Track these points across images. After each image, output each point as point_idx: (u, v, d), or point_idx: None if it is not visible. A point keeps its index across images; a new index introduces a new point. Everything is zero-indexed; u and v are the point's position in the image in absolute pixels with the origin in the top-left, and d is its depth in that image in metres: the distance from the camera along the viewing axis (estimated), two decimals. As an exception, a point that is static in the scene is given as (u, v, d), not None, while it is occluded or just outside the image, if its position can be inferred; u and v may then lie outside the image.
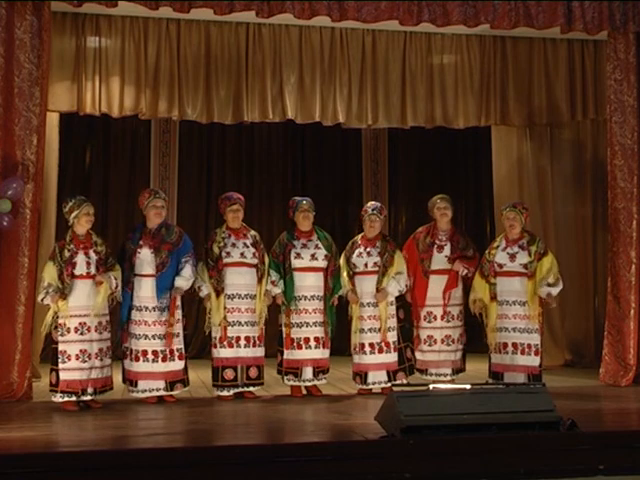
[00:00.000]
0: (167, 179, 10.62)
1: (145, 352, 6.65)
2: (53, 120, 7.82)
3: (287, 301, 6.98)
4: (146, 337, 6.65)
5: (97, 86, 7.62)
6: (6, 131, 6.84)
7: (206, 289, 6.87)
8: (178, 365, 6.76)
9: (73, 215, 6.51)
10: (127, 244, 6.79)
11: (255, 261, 6.96)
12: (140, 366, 6.64)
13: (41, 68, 6.92)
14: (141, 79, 7.71)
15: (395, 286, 7.06)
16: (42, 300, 6.42)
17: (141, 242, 6.73)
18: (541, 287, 6.95)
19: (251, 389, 6.95)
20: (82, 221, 6.51)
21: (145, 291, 6.66)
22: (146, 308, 6.66)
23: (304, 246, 7.07)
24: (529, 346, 6.97)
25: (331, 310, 7.10)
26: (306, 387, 7.06)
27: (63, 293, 6.33)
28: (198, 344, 9.65)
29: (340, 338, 7.45)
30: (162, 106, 7.75)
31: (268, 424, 5.89)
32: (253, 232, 7.12)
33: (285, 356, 6.99)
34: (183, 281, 6.75)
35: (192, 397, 7.02)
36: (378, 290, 7.02)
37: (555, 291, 7.02)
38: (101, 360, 6.47)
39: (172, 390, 6.73)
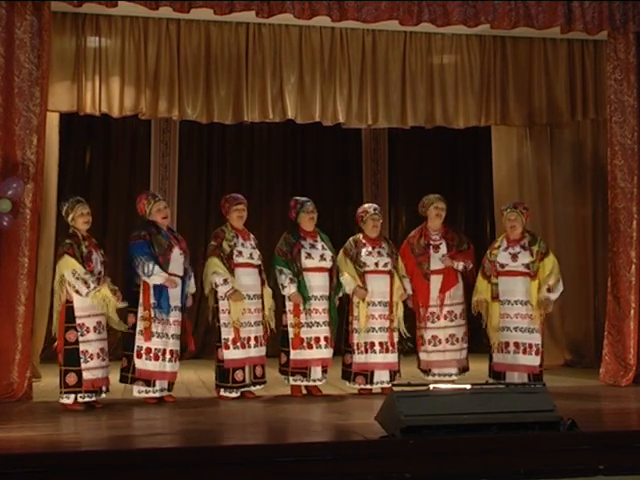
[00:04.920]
0: (167, 179, 10.62)
1: (164, 351, 6.60)
2: (53, 120, 7.82)
3: (305, 301, 6.94)
4: (167, 336, 6.61)
5: (97, 86, 7.62)
6: (6, 131, 6.84)
7: (231, 282, 6.77)
8: (177, 366, 6.76)
9: (70, 218, 6.50)
10: (158, 239, 6.62)
11: (259, 262, 7.01)
12: (161, 365, 6.58)
13: (41, 68, 6.92)
14: (141, 79, 7.71)
15: (409, 287, 7.25)
16: (92, 290, 6.24)
17: (172, 242, 6.71)
18: (541, 292, 6.96)
19: (257, 387, 6.96)
20: (79, 222, 6.47)
21: (173, 290, 6.63)
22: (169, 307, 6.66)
23: (312, 246, 7.07)
24: (530, 346, 6.99)
25: (335, 310, 7.11)
26: (306, 387, 7.06)
27: (106, 278, 6.39)
28: (198, 344, 9.64)
29: (339, 338, 7.44)
30: (162, 106, 7.75)
31: (268, 424, 5.89)
32: (251, 235, 7.14)
33: (292, 356, 6.95)
34: (193, 287, 6.87)
35: (192, 397, 7.02)
36: (404, 290, 7.18)
37: (554, 296, 7.06)
38: (107, 359, 6.53)
39: (170, 390, 6.73)
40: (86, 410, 6.30)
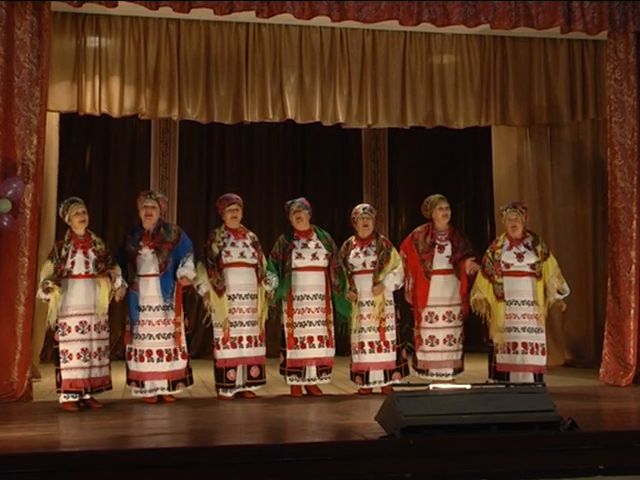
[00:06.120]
0: (167, 179, 10.63)
1: (150, 352, 6.63)
2: (53, 120, 7.82)
3: (275, 299, 6.99)
4: (150, 337, 6.64)
5: (97, 86, 7.62)
6: (6, 131, 6.84)
7: (205, 287, 6.86)
8: (181, 364, 6.77)
9: (66, 218, 6.55)
10: (127, 245, 6.77)
11: (254, 261, 6.98)
12: (146, 366, 6.62)
13: (41, 68, 6.92)
14: (141, 79, 7.71)
15: (392, 280, 7.10)
16: (39, 296, 6.41)
17: (141, 243, 6.73)
18: (552, 295, 7.00)
19: (253, 389, 6.95)
20: (75, 222, 6.51)
21: (149, 291, 6.66)
22: (150, 308, 6.66)
23: (305, 246, 7.08)
24: (537, 346, 6.98)
25: (345, 306, 7.07)
26: (306, 387, 7.07)
27: (58, 282, 6.32)
28: (198, 344, 9.66)
29: (340, 338, 7.45)
30: (162, 106, 7.75)
31: (268, 424, 5.88)
32: (251, 233, 7.15)
33: (288, 356, 6.99)
34: (187, 269, 6.74)
35: (192, 397, 7.02)
36: (375, 284, 7.04)
37: (564, 296, 7.07)
38: (99, 359, 6.49)
39: (174, 389, 6.73)
40: (86, 410, 6.32)
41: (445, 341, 7.30)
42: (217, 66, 7.84)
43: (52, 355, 6.51)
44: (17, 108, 6.86)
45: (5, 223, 6.68)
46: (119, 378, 6.84)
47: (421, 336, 7.35)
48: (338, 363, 7.32)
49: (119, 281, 6.52)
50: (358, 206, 7.47)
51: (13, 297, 6.77)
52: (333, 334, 7.11)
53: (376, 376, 7.06)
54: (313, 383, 7.04)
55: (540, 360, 6.98)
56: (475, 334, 7.76)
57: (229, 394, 6.84)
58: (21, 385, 6.75)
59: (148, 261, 6.70)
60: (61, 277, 6.36)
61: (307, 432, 5.59)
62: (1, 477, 4.34)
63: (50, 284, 6.28)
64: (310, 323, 7.00)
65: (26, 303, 6.78)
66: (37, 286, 6.56)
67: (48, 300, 6.37)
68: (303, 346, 6.98)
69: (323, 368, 7.04)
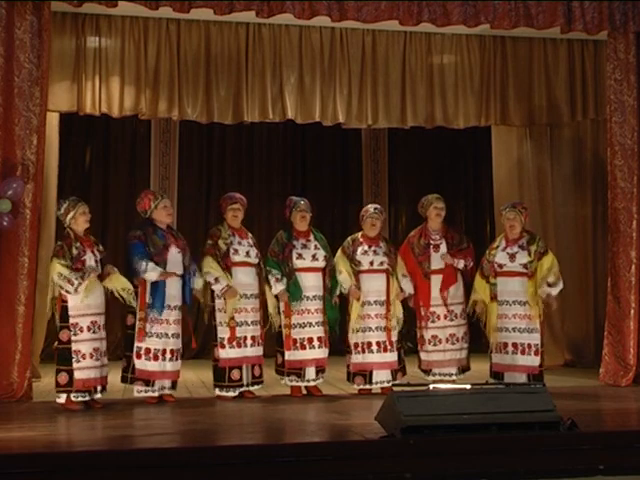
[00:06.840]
0: (167, 179, 10.63)
1: (164, 351, 6.61)
2: (53, 120, 7.83)
3: (294, 301, 6.94)
4: (166, 335, 6.61)
5: (97, 86, 7.63)
6: (6, 131, 6.84)
7: (224, 280, 6.77)
8: (179, 365, 6.78)
9: (70, 216, 6.49)
10: (153, 238, 6.62)
11: (257, 261, 7.00)
12: (159, 365, 6.59)
13: (41, 68, 6.92)
14: (141, 79, 7.71)
15: (410, 286, 7.25)
16: (77, 285, 6.22)
17: (168, 240, 6.69)
18: (541, 287, 6.97)
19: (255, 387, 6.96)
20: (80, 221, 6.48)
21: (172, 289, 6.63)
22: (169, 307, 6.63)
23: (304, 246, 7.08)
24: (529, 346, 6.98)
25: (334, 308, 7.09)
26: (306, 387, 7.06)
27: (94, 270, 6.32)
28: (198, 344, 9.65)
29: (339, 337, 7.46)
30: (162, 106, 7.75)
31: (268, 424, 5.89)
32: (250, 234, 7.14)
33: (287, 357, 6.97)
34: (201, 283, 6.82)
35: (192, 397, 7.02)
36: (401, 290, 7.16)
37: (555, 291, 7.05)
38: (107, 359, 6.52)
39: (173, 389, 6.74)
40: (86, 410, 6.30)
41: (448, 340, 7.32)
42: (217, 66, 7.84)
43: (57, 355, 6.37)
44: (17, 108, 6.86)
45: (5, 223, 6.68)
46: (118, 378, 6.82)
47: (424, 336, 7.37)
48: (333, 363, 7.32)
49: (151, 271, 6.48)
50: (369, 205, 7.52)
51: (13, 297, 6.76)
52: (337, 333, 7.14)
53: (380, 376, 7.06)
54: (313, 384, 7.04)
55: (533, 360, 6.98)
56: (477, 334, 7.76)
57: (231, 394, 6.83)
58: (21, 385, 6.75)
59: (176, 260, 6.67)
60: None
61: (307, 432, 5.59)
62: (1, 477, 4.34)
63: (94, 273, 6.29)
64: (310, 324, 6.99)
65: (26, 303, 6.78)
66: (57, 282, 6.32)
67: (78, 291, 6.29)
68: (303, 347, 6.96)
69: (320, 368, 7.04)
